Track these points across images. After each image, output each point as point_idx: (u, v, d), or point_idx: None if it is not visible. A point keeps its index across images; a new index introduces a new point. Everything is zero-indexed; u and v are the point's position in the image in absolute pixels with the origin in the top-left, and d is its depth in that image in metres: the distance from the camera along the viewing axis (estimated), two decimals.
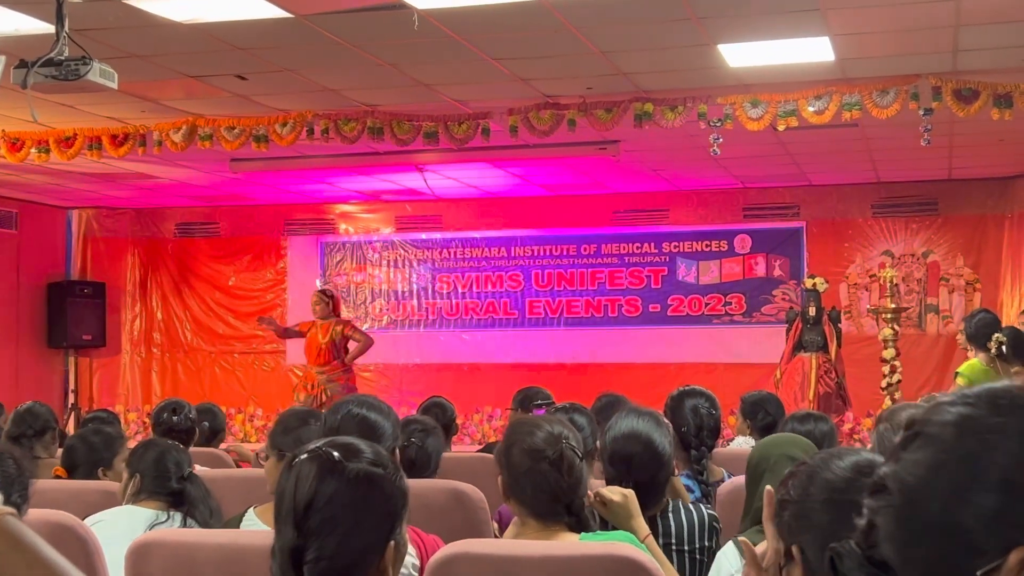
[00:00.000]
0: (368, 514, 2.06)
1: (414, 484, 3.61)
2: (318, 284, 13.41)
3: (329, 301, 10.91)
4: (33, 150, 9.05)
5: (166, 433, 5.47)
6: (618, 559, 2.64)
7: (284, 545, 2.02)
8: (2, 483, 2.83)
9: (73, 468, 4.70)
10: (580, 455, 2.90)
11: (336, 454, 2.07)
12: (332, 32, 6.54)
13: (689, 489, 4.31)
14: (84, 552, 3.07)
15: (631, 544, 2.84)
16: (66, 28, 5.39)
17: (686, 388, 4.64)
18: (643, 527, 3.13)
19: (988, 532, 1.02)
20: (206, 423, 6.03)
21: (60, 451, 5.27)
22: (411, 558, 2.92)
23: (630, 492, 3.17)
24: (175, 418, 5.69)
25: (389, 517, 2.09)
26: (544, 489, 2.87)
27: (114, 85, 5.59)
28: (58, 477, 4.73)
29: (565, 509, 2.89)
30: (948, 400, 1.10)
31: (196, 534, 3.27)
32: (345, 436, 2.26)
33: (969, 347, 7.27)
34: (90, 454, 4.69)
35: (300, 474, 2.05)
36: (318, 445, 2.11)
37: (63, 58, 5.35)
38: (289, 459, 2.12)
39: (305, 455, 2.09)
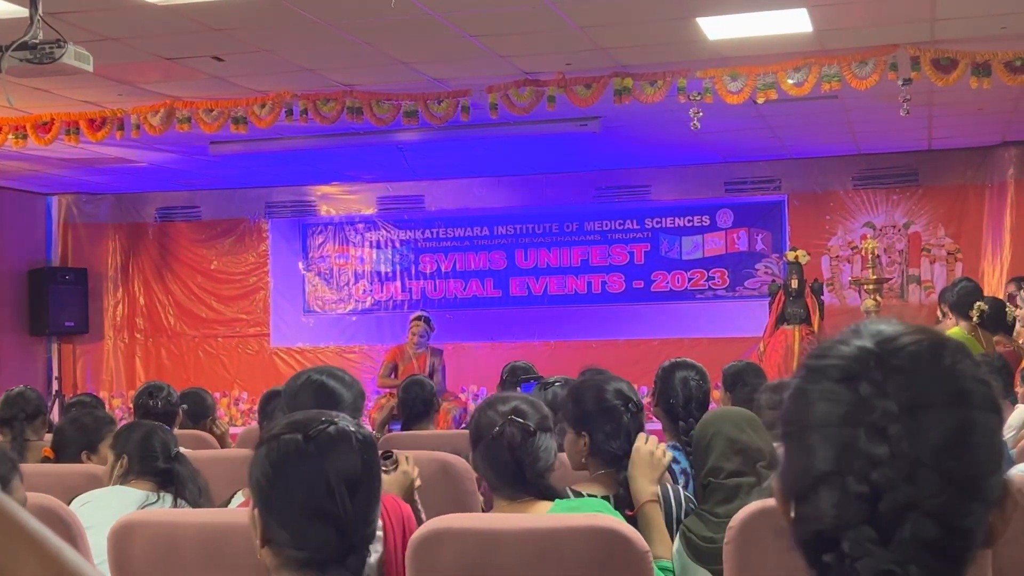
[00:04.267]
0: (380, 476, 2.13)
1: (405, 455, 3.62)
2: (300, 267, 13.38)
3: (431, 330, 10.66)
4: (10, 136, 8.99)
5: (145, 417, 5.46)
6: (600, 530, 2.65)
7: (341, 521, 1.99)
8: None
9: (62, 449, 4.70)
10: (531, 431, 2.95)
11: (350, 427, 2.08)
12: (308, 11, 6.51)
13: (676, 461, 4.33)
14: (68, 535, 3.07)
15: (606, 513, 2.87)
16: (40, 11, 5.36)
17: (677, 360, 4.64)
18: (654, 490, 3.20)
19: (996, 481, 1.12)
20: (185, 406, 6.01)
21: (49, 435, 5.27)
22: None
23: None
24: (151, 402, 5.68)
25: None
26: (492, 465, 2.98)
27: (90, 68, 5.55)
28: (47, 459, 4.72)
29: (521, 484, 2.95)
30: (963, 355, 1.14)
31: (178, 514, 3.28)
32: (305, 407, 2.26)
33: (950, 315, 7.30)
34: (80, 435, 4.69)
35: (331, 448, 2.02)
36: (324, 419, 2.08)
37: (37, 41, 5.32)
38: (290, 441, 2.05)
39: (314, 431, 2.04)
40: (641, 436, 3.28)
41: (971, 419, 1.09)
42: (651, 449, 3.24)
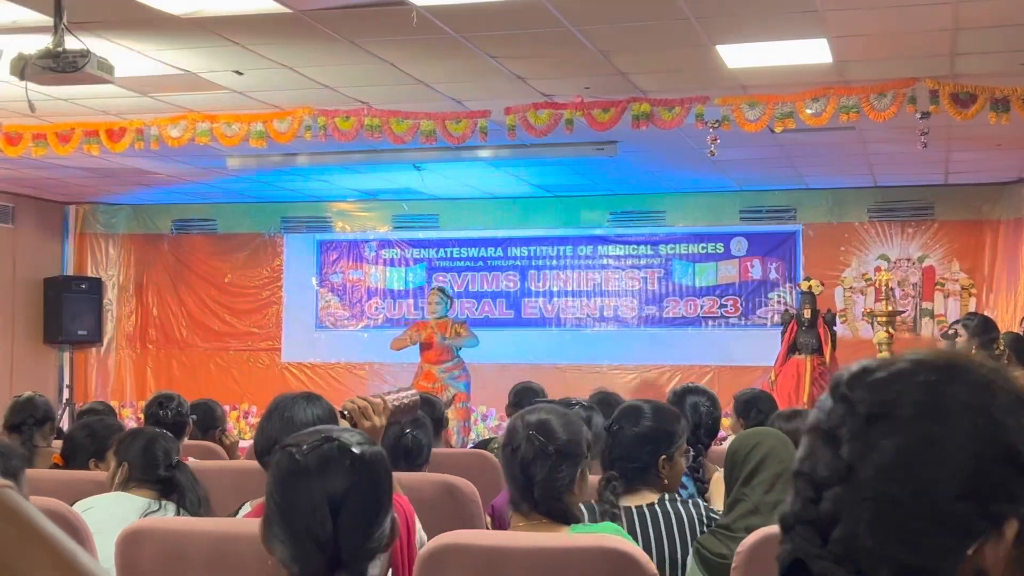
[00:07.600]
0: (383, 492, 2.11)
1: (406, 477, 3.63)
2: (314, 283, 13.40)
3: (449, 300, 11.37)
4: (31, 144, 9.04)
5: (156, 427, 5.47)
6: (608, 551, 2.64)
7: (320, 540, 2.00)
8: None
9: (72, 456, 4.71)
10: (548, 452, 2.84)
11: (350, 446, 2.08)
12: (330, 28, 6.54)
13: (683, 486, 4.33)
14: (76, 539, 3.06)
15: (619, 536, 2.84)
16: (64, 20, 5.40)
17: (689, 385, 4.66)
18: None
19: (969, 511, 1.02)
20: (194, 416, 6.03)
21: (58, 442, 5.28)
22: None
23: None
24: (161, 412, 5.70)
25: (390, 491, 2.13)
26: (508, 476, 2.93)
27: (112, 78, 5.59)
28: (56, 465, 4.73)
29: (532, 501, 2.86)
30: (906, 369, 1.09)
31: (186, 522, 3.28)
32: (321, 426, 2.27)
33: (973, 347, 7.27)
34: (90, 442, 4.70)
35: (318, 467, 2.04)
36: (321, 435, 2.10)
37: (61, 50, 5.36)
38: (290, 456, 2.08)
39: (306, 447, 2.07)
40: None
41: (932, 435, 1.04)
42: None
